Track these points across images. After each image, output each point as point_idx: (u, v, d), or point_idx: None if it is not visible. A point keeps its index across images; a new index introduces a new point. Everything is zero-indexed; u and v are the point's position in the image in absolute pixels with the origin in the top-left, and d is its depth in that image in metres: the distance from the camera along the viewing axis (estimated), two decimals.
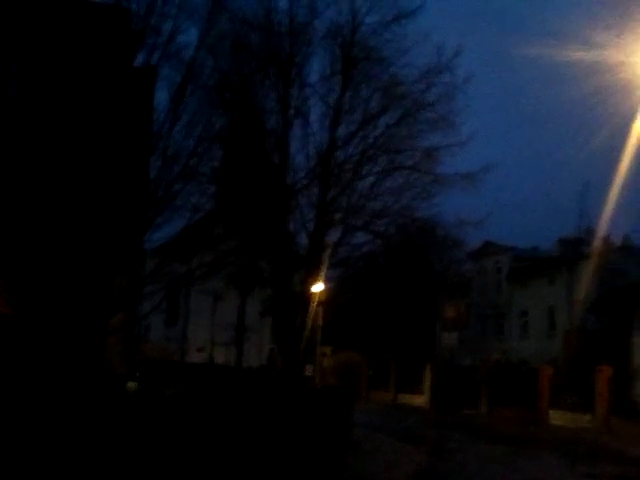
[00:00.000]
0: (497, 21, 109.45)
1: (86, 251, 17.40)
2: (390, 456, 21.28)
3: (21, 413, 14.33)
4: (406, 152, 28.38)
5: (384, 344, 54.61)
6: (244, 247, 27.20)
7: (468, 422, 35.38)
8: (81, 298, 17.48)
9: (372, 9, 27.32)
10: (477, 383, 41.04)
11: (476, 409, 40.23)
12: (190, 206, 24.81)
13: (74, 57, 17.30)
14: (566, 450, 24.38)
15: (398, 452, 22.43)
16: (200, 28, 19.67)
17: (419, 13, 27.11)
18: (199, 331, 50.92)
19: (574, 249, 53.38)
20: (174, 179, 20.47)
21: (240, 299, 43.38)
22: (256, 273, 31.53)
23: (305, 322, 27.73)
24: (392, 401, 46.85)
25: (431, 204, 28.87)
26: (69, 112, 17.20)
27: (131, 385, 20.37)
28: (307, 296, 27.97)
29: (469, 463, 20.89)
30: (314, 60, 27.80)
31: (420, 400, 44.98)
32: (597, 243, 49.94)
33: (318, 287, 28.74)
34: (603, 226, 46.88)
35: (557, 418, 35.43)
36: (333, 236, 28.08)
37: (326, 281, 30.47)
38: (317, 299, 28.86)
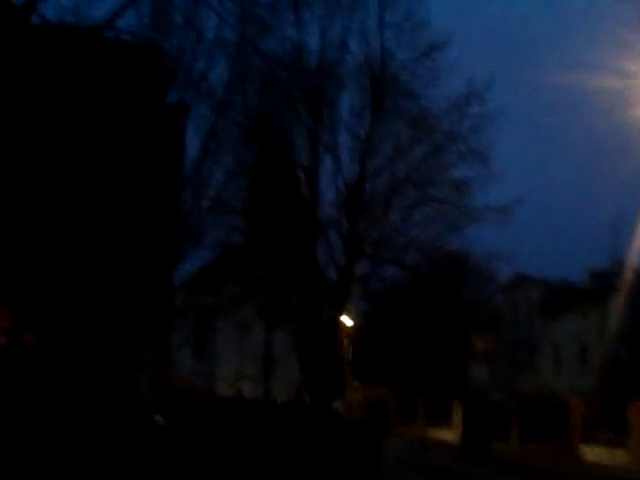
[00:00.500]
0: (527, 51, 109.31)
1: (117, 285, 17.54)
2: None
3: (51, 445, 14.38)
4: (436, 184, 28.35)
5: (413, 378, 54.07)
6: (272, 279, 27.27)
7: (499, 458, 34.77)
8: (111, 332, 17.58)
9: (402, 43, 27.51)
10: (508, 417, 40.41)
11: (507, 444, 39.55)
12: (219, 239, 25.07)
13: (108, 96, 17.59)
14: None
15: None
16: (230, 66, 19.93)
17: (449, 45, 27.24)
18: (227, 364, 50.83)
19: (605, 281, 52.64)
20: (204, 213, 20.67)
21: (268, 331, 43.35)
22: (284, 306, 31.51)
23: (333, 356, 27.58)
24: (421, 436, 46.25)
25: (461, 237, 28.75)
26: (103, 149, 17.45)
27: (160, 419, 20.37)
28: (336, 329, 27.87)
29: None
30: (344, 95, 28.02)
31: (450, 435, 44.36)
32: (628, 275, 49.22)
33: (347, 320, 28.61)
34: (634, 258, 46.25)
35: (590, 454, 34.68)
36: (362, 269, 28.04)
37: (355, 314, 30.38)
38: (345, 332, 28.71)
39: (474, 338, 64.27)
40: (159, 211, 18.27)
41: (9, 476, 13.23)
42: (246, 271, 26.61)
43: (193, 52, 18.90)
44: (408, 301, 50.51)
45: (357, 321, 34.50)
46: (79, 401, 16.22)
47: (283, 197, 27.29)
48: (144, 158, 17.59)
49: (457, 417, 44.65)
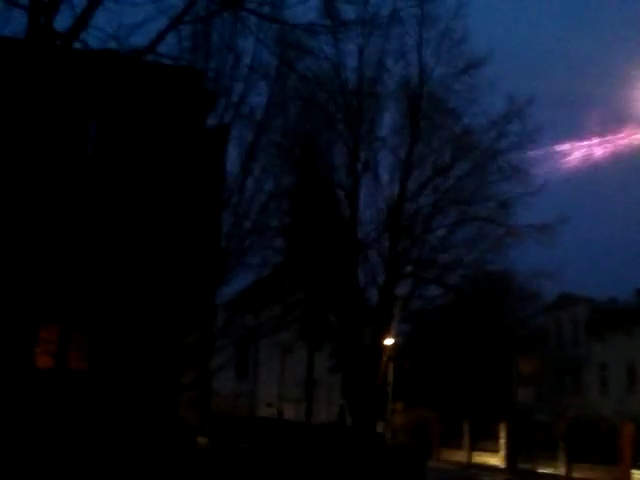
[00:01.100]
0: (565, 63, 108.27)
1: (161, 308, 17.63)
2: None
3: (97, 467, 14.42)
4: (478, 203, 28.10)
5: (457, 400, 53.31)
6: (313, 300, 27.18)
7: None
8: (155, 355, 17.64)
9: (440, 61, 27.49)
10: (555, 441, 39.48)
11: (554, 468, 38.61)
12: (260, 260, 25.08)
13: (150, 118, 17.80)
14: None
15: None
16: (270, 88, 20.04)
17: (488, 62, 27.10)
18: (269, 386, 50.73)
19: None
20: (245, 234, 20.71)
21: (309, 353, 43.20)
22: (325, 327, 31.38)
23: (376, 377, 27.31)
24: (466, 460, 45.42)
25: (504, 256, 28.39)
26: (145, 172, 17.64)
27: (202, 440, 20.34)
28: (378, 351, 27.62)
29: None
30: (383, 114, 28.00)
31: (495, 459, 43.45)
32: None
33: (389, 341, 28.32)
34: None
35: None
36: (404, 289, 27.82)
37: (397, 335, 30.05)
38: (388, 354, 28.42)
39: (519, 359, 63.20)
40: (201, 233, 18.35)
41: None
42: (287, 292, 26.55)
43: (232, 75, 19.08)
44: (450, 321, 49.96)
45: (400, 342, 34.13)
46: (123, 424, 16.26)
47: (323, 217, 27.31)
48: (186, 180, 17.73)
49: (503, 440, 43.76)
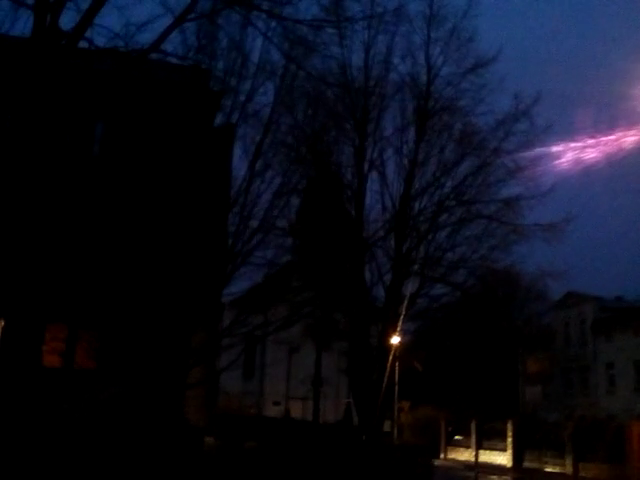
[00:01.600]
0: (573, 63, 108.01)
1: (167, 307, 17.64)
2: None
3: (103, 464, 14.45)
4: (483, 202, 28.00)
5: (464, 398, 53.22)
6: (320, 299, 27.13)
7: None
8: (162, 353, 17.65)
9: (448, 60, 27.44)
10: (562, 440, 39.36)
11: (561, 467, 38.49)
12: (267, 259, 25.05)
13: (156, 117, 17.81)
14: None
15: None
16: (276, 86, 20.01)
17: (495, 61, 27.02)
18: (275, 384, 50.78)
19: None
20: (252, 233, 20.69)
21: (316, 352, 43.19)
22: (332, 325, 31.34)
23: (382, 376, 27.26)
24: (473, 459, 45.34)
25: (511, 255, 28.30)
26: (151, 171, 17.66)
27: (209, 439, 20.35)
28: (384, 349, 27.58)
29: None
30: (389, 112, 27.92)
31: (502, 458, 43.36)
32: None
33: (396, 340, 28.27)
34: None
35: None
36: (410, 288, 27.74)
37: (404, 334, 30.02)
38: (395, 352, 28.37)
39: (526, 357, 63.04)
40: (207, 232, 18.35)
41: None
42: (294, 291, 26.53)
43: (239, 73, 19.06)
44: (457, 320, 49.86)
45: (407, 341, 34.08)
46: (130, 423, 16.28)
47: (330, 216, 27.26)
48: (192, 179, 17.73)
49: (510, 439, 43.65)
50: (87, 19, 13.08)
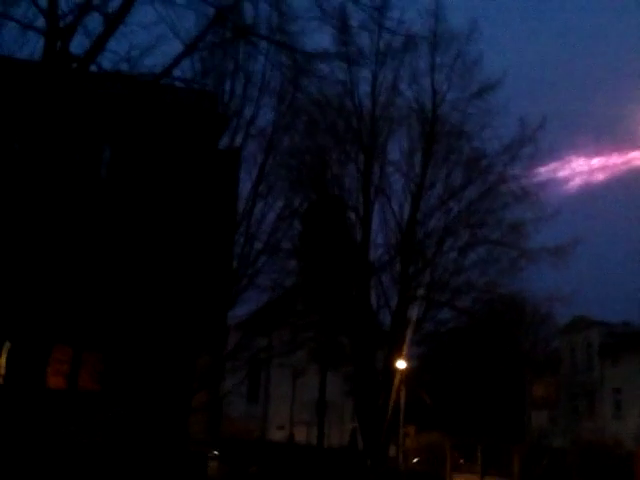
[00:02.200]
0: (577, 84, 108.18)
1: (172, 330, 17.63)
2: None
3: None
4: (490, 226, 28.00)
5: (470, 424, 52.76)
6: (325, 323, 27.08)
7: None
8: (167, 377, 17.62)
9: (453, 85, 27.58)
10: (569, 467, 38.96)
11: None
12: (272, 282, 25.06)
13: (163, 140, 17.93)
14: None
15: None
16: (280, 109, 20.17)
17: (500, 85, 27.15)
18: (280, 408, 50.46)
19: None
20: (257, 256, 20.75)
21: (321, 375, 42.98)
22: (337, 349, 31.22)
23: (388, 400, 27.08)
24: None
25: (518, 279, 28.21)
26: (158, 193, 17.74)
27: (212, 463, 20.25)
28: (390, 374, 27.42)
29: None
30: (395, 136, 28.03)
31: None
32: None
33: (401, 364, 28.10)
34: None
35: None
36: (416, 312, 27.62)
37: (410, 358, 29.83)
38: (400, 377, 28.19)
39: (532, 382, 62.64)
40: (213, 254, 18.40)
41: None
42: (299, 314, 26.49)
43: (244, 97, 19.22)
44: (463, 344, 49.60)
45: (413, 365, 33.88)
46: (134, 446, 16.22)
47: (335, 239, 27.26)
48: (198, 202, 17.81)
49: (516, 466, 43.24)
50: (98, 45, 13.22)
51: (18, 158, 14.53)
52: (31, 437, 15.31)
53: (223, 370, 21.11)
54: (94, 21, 13.81)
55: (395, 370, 27.59)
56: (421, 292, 27.74)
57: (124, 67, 13.53)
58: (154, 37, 14.10)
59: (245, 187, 20.65)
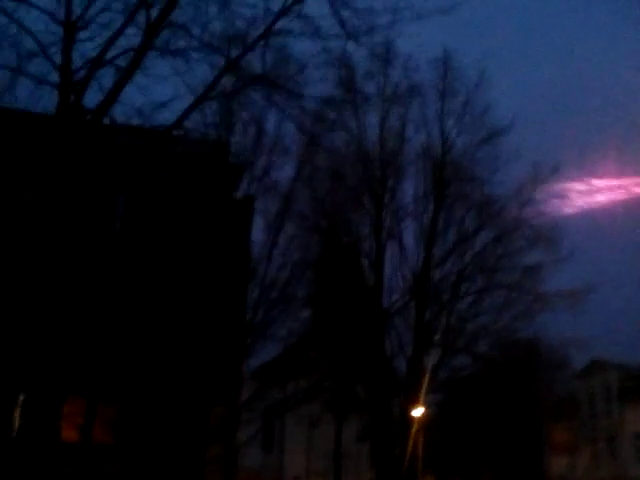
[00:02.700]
0: (591, 124, 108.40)
1: (186, 381, 17.48)
2: None
3: None
4: (504, 270, 27.76)
5: (489, 470, 51.83)
6: (340, 371, 26.77)
7: None
8: (181, 428, 17.41)
9: (462, 131, 27.65)
10: None
11: None
12: (286, 331, 24.89)
13: (177, 191, 18.02)
14: None
15: None
16: (294, 160, 20.31)
17: (511, 130, 27.21)
18: (295, 458, 49.66)
19: None
20: (271, 305, 20.66)
21: (336, 425, 42.38)
22: (353, 398, 30.82)
23: (405, 449, 26.60)
24: None
25: (533, 323, 27.91)
26: (172, 244, 17.75)
27: None
28: (407, 422, 26.97)
29: None
30: (406, 182, 28.06)
31: None
32: None
33: (418, 412, 27.64)
34: None
35: None
36: (432, 358, 27.25)
37: (426, 405, 29.35)
38: (417, 425, 27.71)
39: (551, 428, 61.61)
40: (227, 305, 18.33)
41: None
42: (314, 363, 26.24)
43: (257, 147, 19.36)
44: (480, 390, 48.98)
45: (429, 412, 33.34)
46: None
47: (349, 286, 27.10)
48: (213, 252, 17.81)
49: None
50: (111, 98, 13.37)
51: (33, 210, 14.60)
52: None
53: (238, 421, 20.84)
54: (107, 74, 14.03)
55: (412, 418, 27.13)
56: (437, 338, 27.44)
57: (139, 121, 13.66)
58: (167, 89, 14.31)
59: (260, 237, 20.69)
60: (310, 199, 24.50)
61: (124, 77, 13.46)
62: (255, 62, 14.66)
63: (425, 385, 26.73)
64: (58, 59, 13.69)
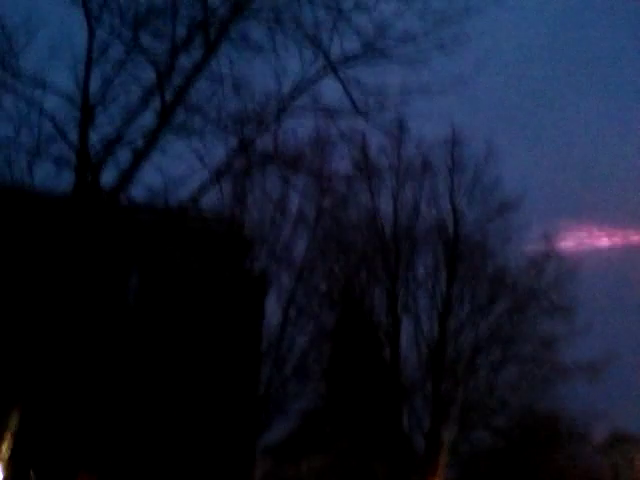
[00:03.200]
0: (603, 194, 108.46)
1: (199, 458, 17.22)
2: None
3: None
4: (520, 342, 27.52)
5: None
6: (356, 447, 26.28)
7: None
8: None
9: (473, 205, 27.95)
10: None
11: None
12: (301, 406, 24.60)
13: (191, 266, 18.13)
14: None
15: None
16: (309, 235, 20.50)
17: (521, 204, 27.42)
18: None
19: None
20: (286, 379, 20.50)
21: None
22: (370, 475, 30.13)
23: None
24: None
25: (551, 395, 27.46)
26: (185, 319, 17.76)
27: None
28: None
29: None
30: (419, 256, 28.17)
31: None
32: None
33: None
34: None
35: None
36: (450, 433, 26.74)
37: None
38: None
39: None
40: (241, 379, 18.20)
41: None
42: (329, 439, 25.79)
43: (272, 223, 19.56)
44: (500, 465, 47.78)
45: None
46: None
47: (364, 360, 26.86)
48: (227, 327, 17.80)
49: None
50: (127, 178, 13.62)
51: (48, 287, 14.69)
52: None
53: None
54: (124, 154, 14.32)
55: None
56: (454, 413, 26.97)
57: (155, 199, 13.87)
58: (181, 165, 14.56)
59: (274, 310, 20.69)
60: (323, 272, 24.57)
61: (140, 158, 13.73)
62: (268, 141, 14.96)
63: (444, 461, 26.19)
64: (75, 139, 14.00)
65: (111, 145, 14.01)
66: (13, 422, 12.81)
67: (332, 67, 14.02)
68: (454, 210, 27.90)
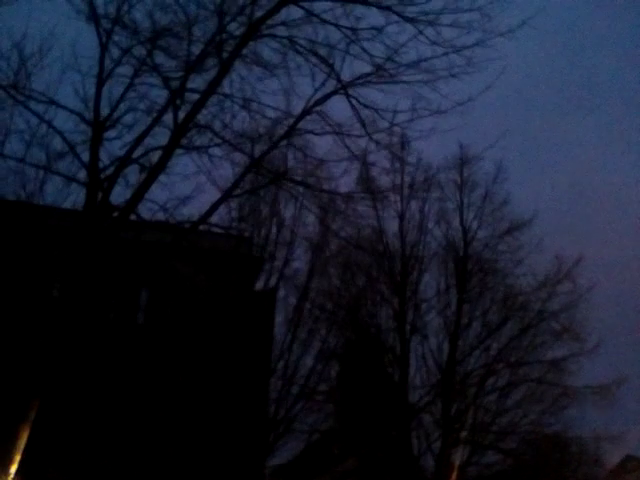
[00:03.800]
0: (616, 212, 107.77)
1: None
2: None
3: None
4: (531, 364, 27.26)
5: None
6: (365, 469, 26.04)
7: None
8: None
9: (483, 224, 27.75)
10: None
11: None
12: (309, 426, 24.43)
13: (200, 284, 18.12)
14: None
15: None
16: (313, 252, 20.48)
17: (532, 223, 27.24)
18: None
19: None
20: (294, 400, 20.39)
21: None
22: None
23: None
24: None
25: (562, 418, 27.19)
26: (194, 337, 17.73)
27: None
28: None
29: None
30: (428, 275, 27.97)
31: None
32: None
33: None
34: None
35: None
36: (460, 455, 26.45)
37: None
38: None
39: None
40: (249, 400, 18.10)
41: None
42: (337, 460, 25.58)
43: (278, 240, 19.57)
44: None
45: None
46: None
47: (373, 380, 26.67)
48: (235, 345, 17.74)
49: None
50: (138, 195, 13.67)
51: (57, 305, 14.71)
52: None
53: None
54: (134, 172, 14.40)
55: None
56: (464, 434, 26.69)
57: (164, 217, 13.91)
58: (190, 183, 14.63)
59: (281, 329, 20.63)
60: (331, 291, 24.49)
61: (150, 176, 13.78)
62: (277, 159, 15.03)
63: None
64: (86, 157, 14.10)
65: (122, 164, 14.09)
66: (22, 442, 12.76)
67: (343, 88, 14.10)
68: (464, 229, 27.74)
